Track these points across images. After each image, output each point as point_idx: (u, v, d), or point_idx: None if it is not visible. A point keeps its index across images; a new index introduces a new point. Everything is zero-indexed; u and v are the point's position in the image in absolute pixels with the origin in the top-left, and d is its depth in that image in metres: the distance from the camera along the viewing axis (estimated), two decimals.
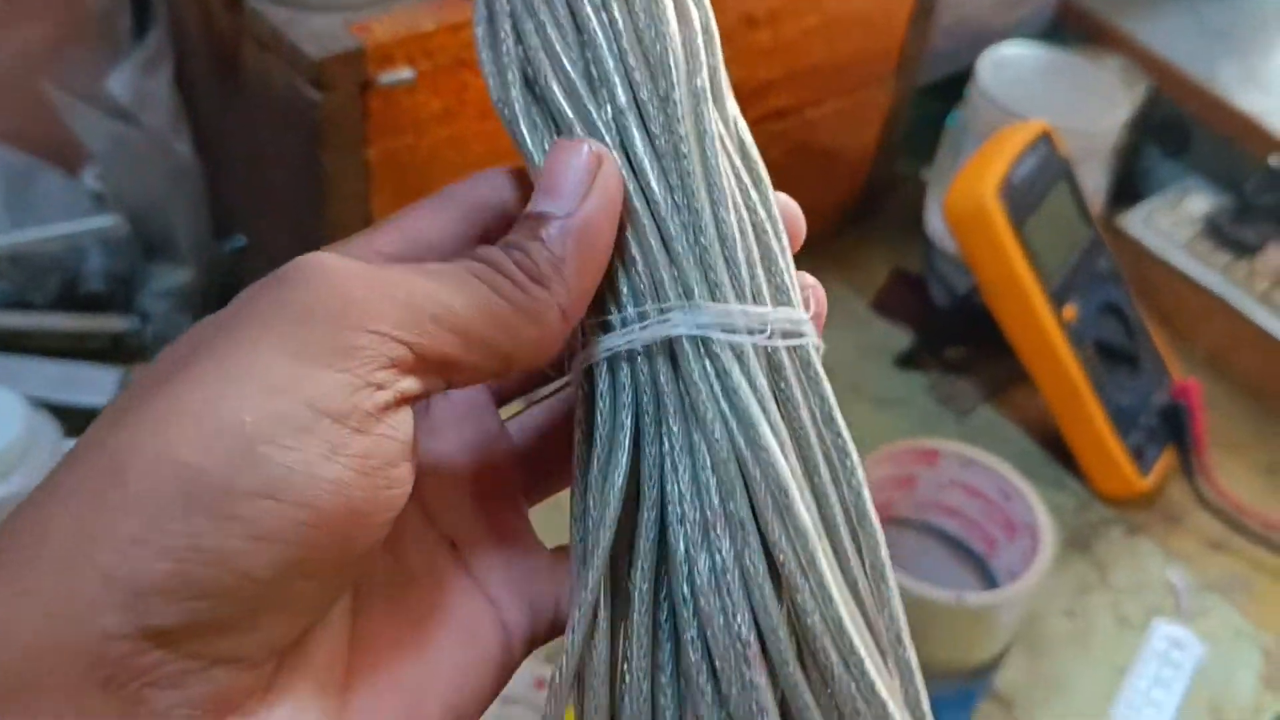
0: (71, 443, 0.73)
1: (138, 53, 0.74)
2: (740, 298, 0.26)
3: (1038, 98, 0.87)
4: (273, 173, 0.73)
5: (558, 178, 0.25)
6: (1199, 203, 0.98)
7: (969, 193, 0.78)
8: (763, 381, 0.25)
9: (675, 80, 0.26)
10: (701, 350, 0.25)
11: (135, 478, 0.20)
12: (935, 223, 0.91)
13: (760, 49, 0.80)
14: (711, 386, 0.25)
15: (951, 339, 0.92)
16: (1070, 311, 0.81)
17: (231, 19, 0.68)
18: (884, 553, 0.27)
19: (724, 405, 0.25)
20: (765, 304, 0.26)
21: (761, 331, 0.26)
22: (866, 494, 0.26)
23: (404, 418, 0.23)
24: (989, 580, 0.74)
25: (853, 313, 0.95)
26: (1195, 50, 1.01)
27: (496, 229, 0.27)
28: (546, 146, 0.27)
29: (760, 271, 0.26)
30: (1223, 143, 0.99)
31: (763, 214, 0.27)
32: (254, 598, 0.21)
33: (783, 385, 0.26)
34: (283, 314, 0.22)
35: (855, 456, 0.27)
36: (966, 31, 1.00)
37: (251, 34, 0.67)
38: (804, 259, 0.28)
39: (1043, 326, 0.80)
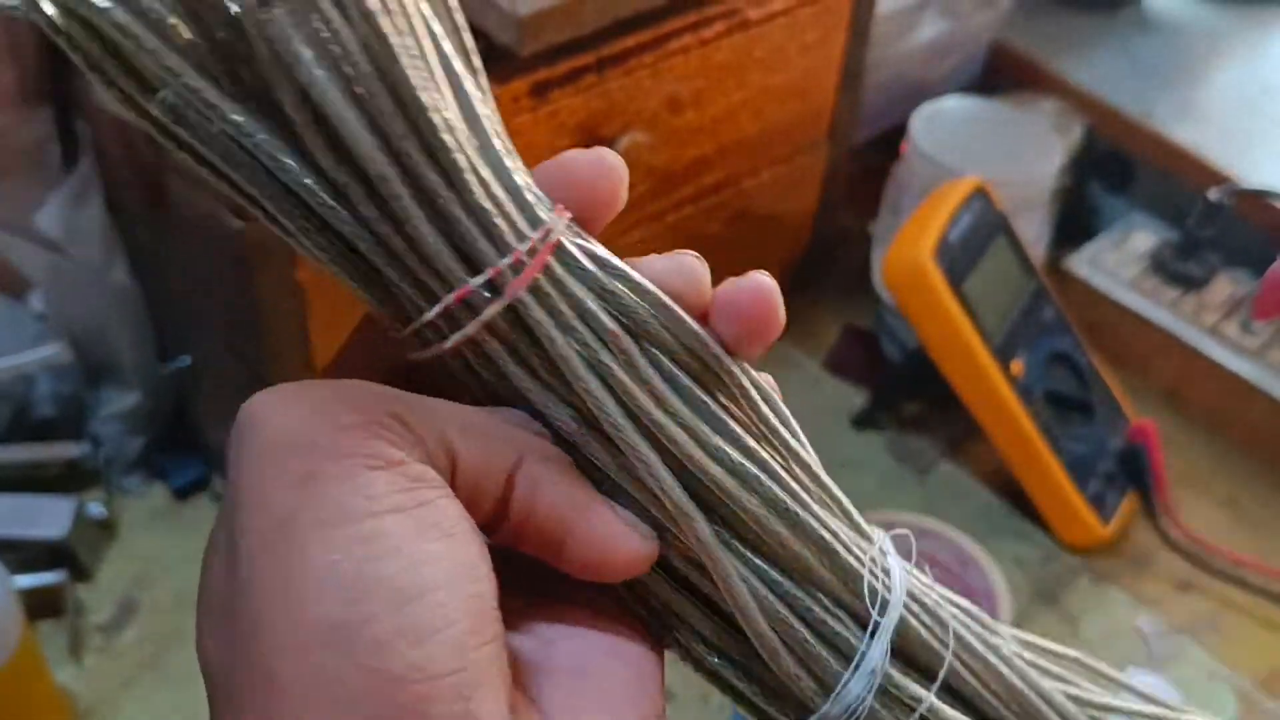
0: (23, 579, 0.73)
1: (66, 185, 0.74)
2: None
3: (973, 151, 0.87)
4: (209, 295, 0.73)
5: None
6: (1144, 239, 0.98)
7: (906, 257, 0.79)
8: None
9: None
10: None
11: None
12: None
13: (688, 129, 0.80)
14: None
15: (906, 394, 0.92)
16: (1018, 366, 0.81)
17: (154, 151, 0.68)
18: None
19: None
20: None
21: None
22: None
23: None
24: None
25: (805, 374, 0.95)
26: (1129, 88, 1.01)
27: None
28: None
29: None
30: (1164, 176, 0.99)
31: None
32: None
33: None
34: None
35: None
36: (900, 86, 1.00)
37: (173, 166, 0.67)
38: None
39: (991, 385, 0.80)
